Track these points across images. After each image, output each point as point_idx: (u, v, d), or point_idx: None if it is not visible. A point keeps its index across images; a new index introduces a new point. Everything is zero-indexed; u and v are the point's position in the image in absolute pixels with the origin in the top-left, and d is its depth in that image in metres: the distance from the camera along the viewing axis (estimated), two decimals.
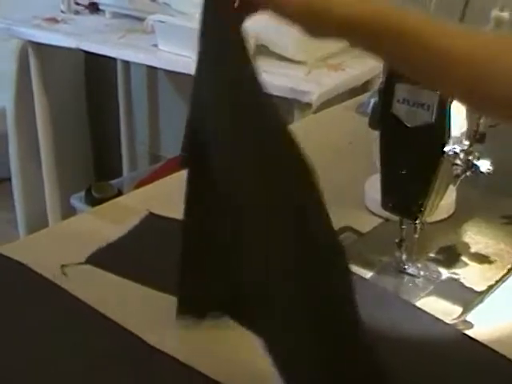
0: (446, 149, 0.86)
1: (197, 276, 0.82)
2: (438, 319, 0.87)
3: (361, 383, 0.67)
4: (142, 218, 1.05)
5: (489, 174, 0.89)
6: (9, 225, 2.76)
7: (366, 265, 0.97)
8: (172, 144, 2.65)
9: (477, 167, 0.89)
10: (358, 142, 1.30)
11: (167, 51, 2.01)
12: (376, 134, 0.91)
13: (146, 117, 2.85)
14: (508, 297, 0.93)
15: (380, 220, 1.07)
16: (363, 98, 1.52)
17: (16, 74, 2.51)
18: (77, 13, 2.44)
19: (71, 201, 2.42)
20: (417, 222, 0.93)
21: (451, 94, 0.76)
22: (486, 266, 0.99)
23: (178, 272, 0.81)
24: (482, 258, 1.00)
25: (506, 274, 0.97)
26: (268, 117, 0.69)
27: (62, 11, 2.44)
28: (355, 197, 1.13)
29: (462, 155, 0.87)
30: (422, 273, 0.96)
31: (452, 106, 0.84)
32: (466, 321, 0.88)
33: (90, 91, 2.88)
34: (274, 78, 1.82)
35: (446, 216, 1.09)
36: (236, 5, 0.71)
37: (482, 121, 0.89)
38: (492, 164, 0.89)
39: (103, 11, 2.42)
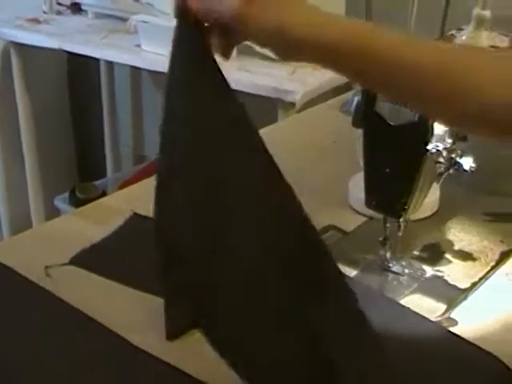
0: (429, 147, 0.86)
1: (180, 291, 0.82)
2: (422, 317, 0.87)
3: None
4: (126, 218, 1.04)
5: (472, 171, 0.89)
6: None
7: (351, 263, 0.97)
8: (156, 144, 2.64)
9: (460, 165, 0.89)
10: (341, 140, 1.31)
11: (150, 51, 2.00)
12: (359, 132, 0.91)
13: (130, 117, 2.84)
14: (491, 294, 0.93)
15: (364, 218, 1.08)
16: (347, 96, 1.52)
17: None
18: (59, 13, 2.43)
19: (55, 202, 2.41)
20: (401, 220, 0.93)
21: (427, 113, 0.75)
22: (469, 263, 0.99)
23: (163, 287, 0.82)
24: (465, 256, 1.01)
25: (489, 271, 0.97)
26: (239, 125, 0.70)
27: (44, 12, 2.42)
28: (339, 195, 1.13)
29: (445, 153, 0.87)
30: (406, 271, 0.96)
31: None
32: (450, 318, 0.88)
33: (73, 92, 2.87)
34: (257, 77, 1.82)
35: (429, 214, 1.09)
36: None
37: None
38: (475, 162, 0.89)
39: (85, 11, 2.41)
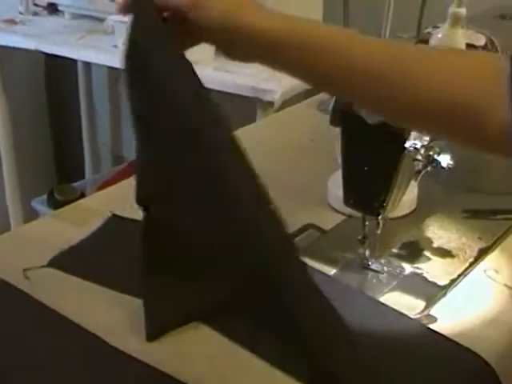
0: (406, 144, 0.86)
1: (163, 291, 0.82)
2: (401, 314, 0.87)
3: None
4: (104, 219, 1.04)
5: (449, 169, 0.90)
6: None
7: (330, 262, 0.97)
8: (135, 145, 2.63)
9: (438, 162, 0.89)
10: (320, 139, 1.31)
11: None
12: (337, 131, 0.91)
13: (108, 118, 2.83)
14: (470, 290, 0.94)
15: (343, 217, 1.08)
16: (325, 95, 1.52)
17: None
18: (35, 14, 2.41)
19: (33, 204, 2.39)
20: (379, 218, 0.93)
21: (374, 111, 0.76)
22: (448, 260, 1.00)
23: (143, 289, 0.82)
24: (444, 253, 1.01)
25: (467, 268, 0.98)
26: (213, 126, 0.70)
27: (21, 12, 2.40)
28: (318, 194, 1.13)
29: (422, 150, 0.88)
30: (385, 268, 0.97)
31: None
32: (429, 315, 0.88)
33: (50, 93, 2.85)
34: (236, 77, 1.82)
35: (408, 211, 1.10)
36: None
37: None
38: (452, 159, 0.90)
39: (62, 12, 2.40)
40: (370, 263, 0.97)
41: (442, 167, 0.89)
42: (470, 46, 0.96)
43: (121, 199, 1.11)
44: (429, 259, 1.00)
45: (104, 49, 2.08)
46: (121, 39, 2.01)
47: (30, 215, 2.36)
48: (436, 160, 0.89)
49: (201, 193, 0.73)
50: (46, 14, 2.42)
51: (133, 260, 0.83)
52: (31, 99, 2.77)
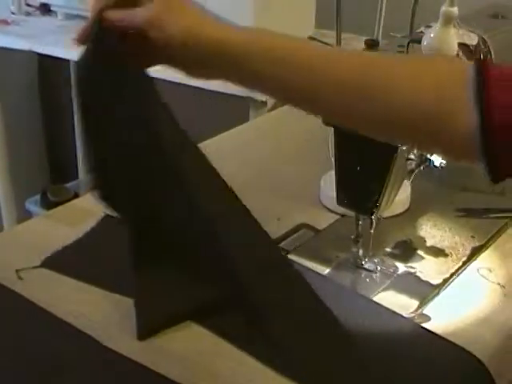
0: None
1: (154, 292, 0.83)
2: (395, 313, 0.87)
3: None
4: (98, 220, 1.04)
5: (442, 167, 0.90)
6: None
7: (323, 261, 0.97)
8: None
9: (430, 161, 0.90)
10: (313, 139, 1.31)
11: None
12: (331, 130, 0.91)
13: None
14: (463, 289, 0.94)
15: (336, 216, 1.08)
16: None
17: None
18: (28, 14, 2.41)
19: (26, 204, 2.38)
20: (372, 217, 0.93)
21: (342, 122, 0.74)
22: (441, 259, 1.00)
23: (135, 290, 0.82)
24: (437, 252, 1.01)
25: (461, 267, 0.98)
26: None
27: (13, 13, 2.40)
28: (311, 194, 1.13)
29: (415, 150, 0.88)
30: (378, 268, 0.97)
31: None
32: (423, 314, 0.89)
33: (43, 92, 2.84)
34: None
35: (401, 211, 1.10)
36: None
37: None
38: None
39: (55, 12, 2.39)
40: (363, 262, 0.97)
41: (435, 166, 0.90)
42: (462, 45, 0.96)
43: None
44: (422, 258, 1.00)
45: None
46: None
47: (24, 216, 2.35)
48: (429, 159, 0.89)
49: (167, 193, 0.74)
50: (38, 14, 2.42)
51: (125, 260, 0.83)
52: (25, 99, 2.76)
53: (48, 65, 2.74)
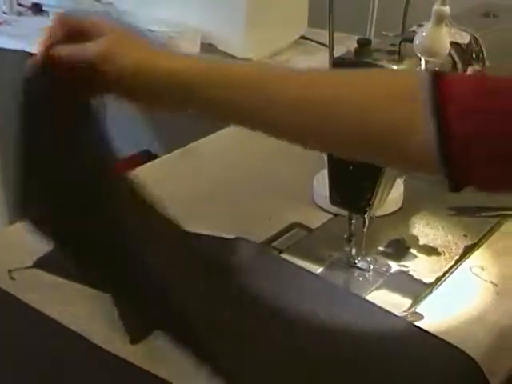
0: None
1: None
2: (388, 312, 0.87)
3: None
4: None
5: None
6: None
7: (316, 260, 0.97)
8: (121, 144, 2.63)
9: None
10: None
11: None
12: None
13: None
14: (456, 288, 0.94)
15: (329, 215, 1.08)
16: None
17: None
18: (20, 14, 2.40)
19: None
20: (365, 216, 0.93)
21: (298, 142, 0.74)
22: (434, 257, 1.00)
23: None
24: (430, 250, 1.01)
25: (453, 266, 0.98)
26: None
27: (5, 12, 2.39)
28: (304, 193, 1.13)
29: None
30: (371, 266, 0.97)
31: None
32: (415, 312, 0.89)
33: None
34: None
35: (394, 209, 1.10)
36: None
37: None
38: None
39: (47, 12, 2.39)
40: (356, 261, 0.97)
41: None
42: (454, 43, 0.96)
43: None
44: (415, 257, 1.00)
45: None
46: None
47: (15, 216, 2.34)
48: None
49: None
50: (30, 14, 2.41)
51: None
52: (17, 99, 2.75)
53: None
